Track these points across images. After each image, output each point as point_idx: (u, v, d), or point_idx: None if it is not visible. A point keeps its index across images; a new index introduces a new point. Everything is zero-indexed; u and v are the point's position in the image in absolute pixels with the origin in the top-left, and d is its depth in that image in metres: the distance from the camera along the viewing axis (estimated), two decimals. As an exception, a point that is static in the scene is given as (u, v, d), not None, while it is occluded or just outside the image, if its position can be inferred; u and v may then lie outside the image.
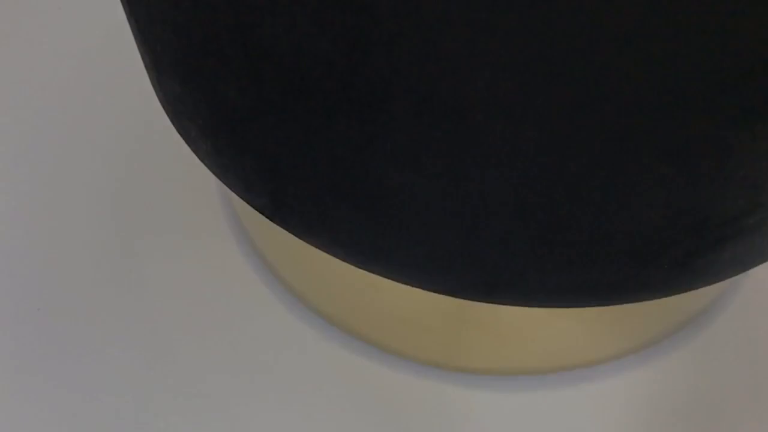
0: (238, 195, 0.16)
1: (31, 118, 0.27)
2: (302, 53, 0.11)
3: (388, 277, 0.14)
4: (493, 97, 0.10)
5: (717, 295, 0.22)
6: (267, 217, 0.15)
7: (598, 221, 0.12)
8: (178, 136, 0.16)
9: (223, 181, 0.16)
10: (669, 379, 0.20)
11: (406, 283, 0.14)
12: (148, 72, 0.16)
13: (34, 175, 0.25)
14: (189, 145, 0.16)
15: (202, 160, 0.16)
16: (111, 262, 0.23)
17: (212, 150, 0.15)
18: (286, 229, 0.15)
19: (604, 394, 0.20)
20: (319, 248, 0.15)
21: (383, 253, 0.14)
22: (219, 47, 0.12)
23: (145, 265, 0.23)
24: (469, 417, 0.20)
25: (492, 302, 0.14)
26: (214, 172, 0.16)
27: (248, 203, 0.16)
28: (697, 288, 0.15)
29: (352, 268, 0.15)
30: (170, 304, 0.22)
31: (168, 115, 0.16)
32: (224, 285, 0.22)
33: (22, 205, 0.24)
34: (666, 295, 0.15)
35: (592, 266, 0.13)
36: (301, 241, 0.15)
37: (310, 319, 0.21)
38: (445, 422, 0.20)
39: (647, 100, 0.10)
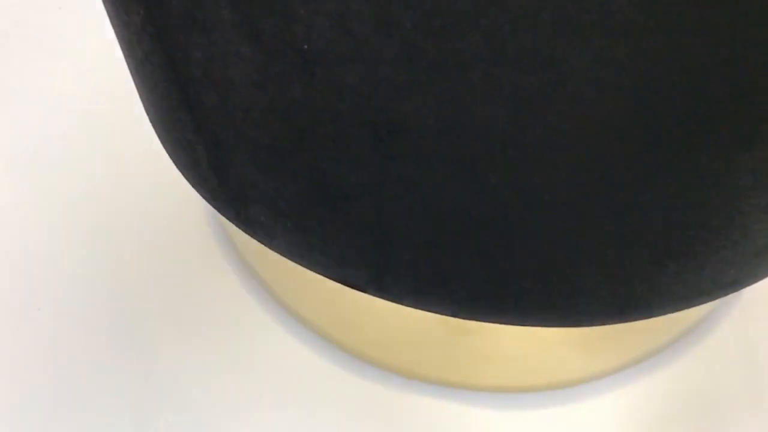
0: (318, 272, 0.15)
1: (31, 120, 0.27)
2: (453, 123, 0.10)
3: (505, 323, 0.14)
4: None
5: (712, 307, 0.22)
6: (355, 288, 0.15)
7: (742, 226, 0.12)
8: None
9: (298, 260, 0.15)
10: (664, 395, 0.20)
11: (523, 325, 0.14)
12: (193, 162, 0.14)
13: (34, 178, 0.25)
14: (248, 230, 0.15)
15: (265, 242, 0.15)
16: (111, 263, 0.23)
17: (293, 231, 0.14)
18: (382, 297, 0.14)
19: (603, 410, 0.20)
20: (423, 309, 0.14)
21: (510, 301, 0.13)
22: (336, 129, 0.11)
23: (145, 270, 0.23)
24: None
25: (616, 323, 0.14)
26: (284, 252, 0.15)
27: (330, 277, 0.15)
28: None
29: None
30: (170, 308, 0.22)
31: (215, 201, 0.15)
32: (218, 298, 0.22)
33: (23, 207, 0.24)
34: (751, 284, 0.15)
35: (725, 267, 0.13)
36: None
37: (307, 338, 0.21)
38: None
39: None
